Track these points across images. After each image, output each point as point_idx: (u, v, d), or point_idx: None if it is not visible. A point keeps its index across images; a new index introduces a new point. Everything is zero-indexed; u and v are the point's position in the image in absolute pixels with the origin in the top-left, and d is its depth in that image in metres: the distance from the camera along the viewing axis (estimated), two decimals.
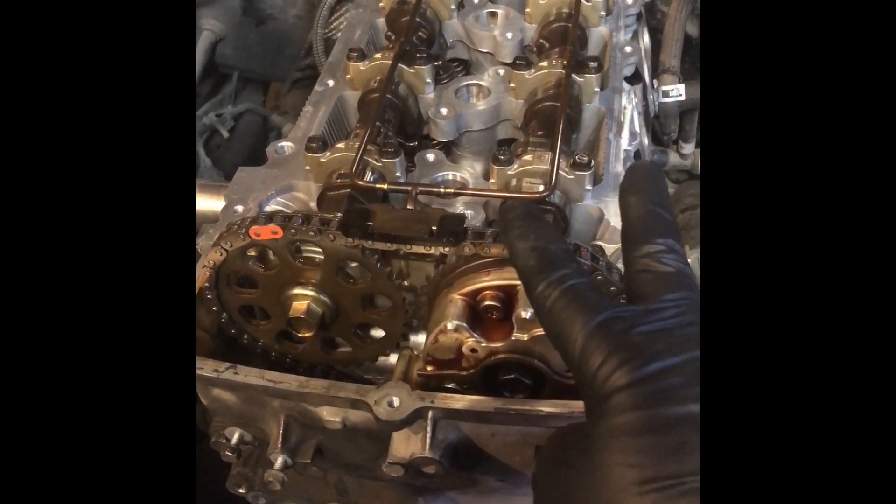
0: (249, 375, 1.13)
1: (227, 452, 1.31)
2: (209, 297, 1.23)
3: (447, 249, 1.15)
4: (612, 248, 1.27)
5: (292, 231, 1.14)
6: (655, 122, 2.11)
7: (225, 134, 2.53)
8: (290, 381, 1.12)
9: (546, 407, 1.09)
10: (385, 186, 1.27)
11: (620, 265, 1.20)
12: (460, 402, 1.10)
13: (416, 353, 1.25)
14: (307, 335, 1.24)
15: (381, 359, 1.36)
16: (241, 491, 1.45)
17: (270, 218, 1.15)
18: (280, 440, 1.19)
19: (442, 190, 1.26)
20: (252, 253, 1.21)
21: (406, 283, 1.24)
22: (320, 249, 1.18)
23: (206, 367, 1.14)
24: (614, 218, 1.31)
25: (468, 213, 1.33)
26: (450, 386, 1.17)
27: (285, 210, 1.35)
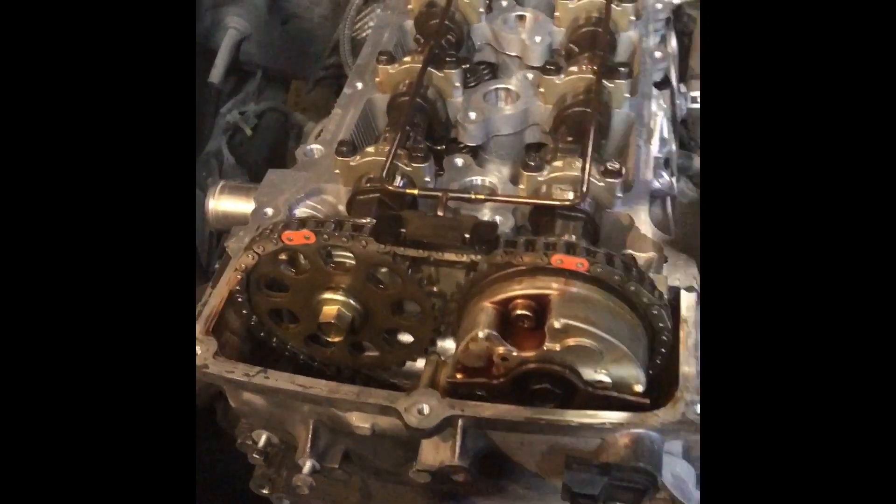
0: (280, 380, 1.13)
1: (254, 455, 1.32)
2: (240, 300, 1.24)
3: (479, 257, 1.14)
4: (643, 256, 1.26)
5: (325, 236, 1.14)
6: (682, 128, 2.10)
7: (248, 132, 2.54)
8: (320, 387, 1.12)
9: (576, 417, 1.09)
10: (415, 192, 1.26)
11: (652, 273, 1.20)
12: (490, 410, 1.10)
13: (443, 358, 1.25)
14: (336, 339, 1.24)
15: (409, 364, 1.36)
16: (264, 492, 1.46)
17: (303, 223, 1.15)
18: (309, 445, 1.19)
19: (472, 196, 1.26)
20: (283, 257, 1.21)
21: (435, 289, 1.23)
22: (351, 255, 1.18)
23: (237, 371, 1.14)
24: (644, 226, 1.30)
25: (497, 218, 1.32)
26: (479, 394, 1.17)
27: (315, 214, 1.35)
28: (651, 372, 1.17)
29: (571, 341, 1.08)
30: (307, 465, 1.19)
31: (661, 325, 1.14)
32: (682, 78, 1.92)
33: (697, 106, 1.84)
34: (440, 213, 1.21)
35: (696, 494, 1.24)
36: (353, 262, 1.19)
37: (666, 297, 1.18)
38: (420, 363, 1.32)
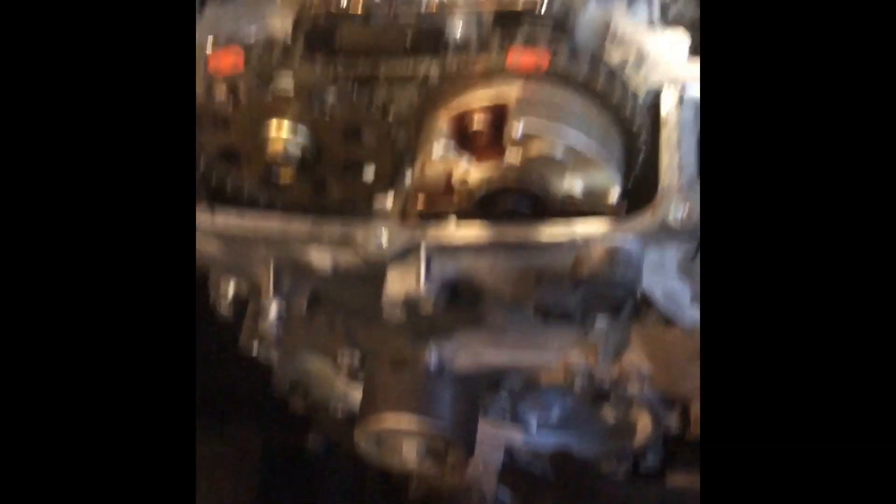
0: (228, 219, 1.06)
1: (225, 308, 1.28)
2: None
3: (428, 66, 1.03)
4: (620, 55, 1.12)
5: (253, 58, 1.03)
6: None
7: None
8: (271, 222, 1.05)
9: (546, 234, 1.01)
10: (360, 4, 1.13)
11: (629, 72, 1.07)
12: (453, 234, 1.02)
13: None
14: (290, 176, 1.15)
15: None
16: (254, 353, 1.45)
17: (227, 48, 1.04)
18: (272, 288, 1.14)
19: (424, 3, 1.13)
20: (220, 91, 1.11)
21: (392, 113, 1.13)
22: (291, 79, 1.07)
23: None
24: (622, 23, 1.16)
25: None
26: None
27: None
28: (630, 181, 1.07)
29: (533, 150, 0.98)
30: (272, 309, 1.14)
31: (636, 126, 1.03)
32: None
33: None
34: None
35: (692, 313, 1.18)
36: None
37: (644, 95, 1.06)
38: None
